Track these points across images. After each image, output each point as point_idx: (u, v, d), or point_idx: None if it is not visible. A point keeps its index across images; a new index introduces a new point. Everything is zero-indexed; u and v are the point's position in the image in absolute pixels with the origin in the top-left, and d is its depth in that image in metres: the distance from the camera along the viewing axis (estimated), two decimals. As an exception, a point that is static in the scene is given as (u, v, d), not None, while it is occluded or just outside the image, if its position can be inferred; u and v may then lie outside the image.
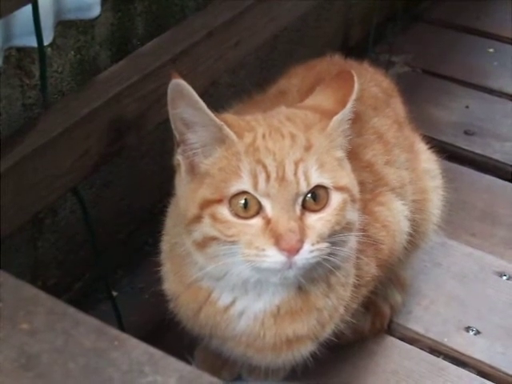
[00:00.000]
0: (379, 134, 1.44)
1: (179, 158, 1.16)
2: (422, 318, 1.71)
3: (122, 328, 1.58)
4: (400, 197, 1.42)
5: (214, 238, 1.11)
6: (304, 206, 1.11)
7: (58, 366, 0.79)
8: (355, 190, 1.18)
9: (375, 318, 1.64)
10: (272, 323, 1.24)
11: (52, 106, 1.39)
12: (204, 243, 1.13)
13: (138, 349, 0.82)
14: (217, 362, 1.53)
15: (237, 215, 1.10)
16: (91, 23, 1.55)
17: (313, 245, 1.09)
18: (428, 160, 1.59)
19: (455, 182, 1.63)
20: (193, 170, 1.15)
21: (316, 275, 1.20)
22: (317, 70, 1.51)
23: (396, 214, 1.40)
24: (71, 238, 1.67)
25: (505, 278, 1.81)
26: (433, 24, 2.80)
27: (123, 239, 1.83)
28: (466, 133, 2.29)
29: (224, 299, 1.24)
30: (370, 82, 1.53)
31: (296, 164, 1.10)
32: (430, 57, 2.61)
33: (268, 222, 1.09)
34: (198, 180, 1.14)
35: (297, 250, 1.08)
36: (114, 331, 0.84)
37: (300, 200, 1.10)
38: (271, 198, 1.09)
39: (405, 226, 1.42)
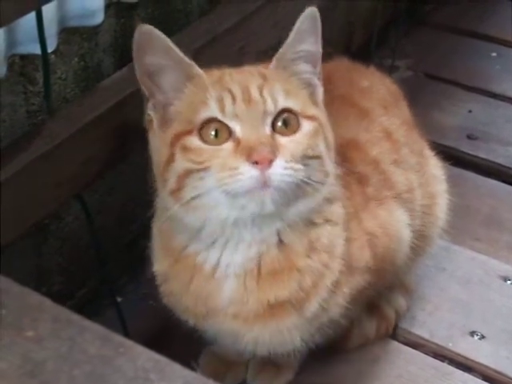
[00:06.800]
0: (387, 133, 1.45)
1: (150, 113, 1.19)
2: (427, 323, 1.70)
3: (126, 334, 1.58)
4: (406, 203, 1.42)
5: (187, 173, 1.12)
6: (275, 130, 1.13)
7: (63, 373, 0.79)
8: (327, 128, 1.21)
9: (380, 323, 1.64)
10: (254, 286, 1.22)
11: (56, 113, 1.39)
12: (178, 185, 1.13)
13: (144, 355, 0.82)
14: (221, 367, 1.54)
15: (207, 142, 1.12)
16: (95, 30, 1.55)
17: (286, 162, 1.10)
18: (435, 166, 1.59)
19: (459, 187, 1.63)
20: (165, 122, 1.17)
21: (294, 212, 1.18)
22: (326, 70, 1.54)
23: (396, 222, 1.39)
24: (75, 245, 1.67)
25: (509, 282, 1.81)
26: (435, 28, 2.80)
27: (127, 245, 1.83)
28: (469, 137, 2.28)
29: (209, 258, 1.22)
30: (378, 83, 1.57)
31: (260, 88, 1.14)
32: (433, 61, 2.61)
33: (238, 142, 1.11)
34: (169, 125, 1.17)
35: (269, 162, 1.08)
36: (119, 338, 0.84)
37: (269, 121, 1.13)
38: (239, 118, 1.12)
39: (405, 235, 1.42)
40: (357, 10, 2.53)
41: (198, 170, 1.11)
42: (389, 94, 1.56)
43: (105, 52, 1.61)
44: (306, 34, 1.19)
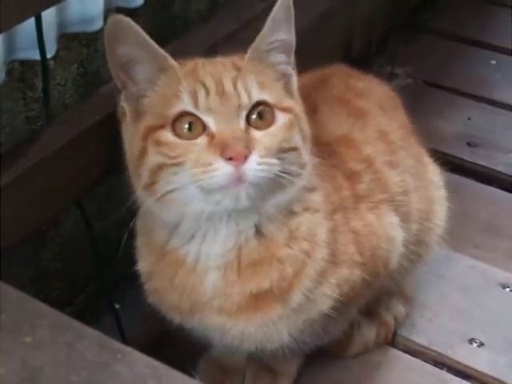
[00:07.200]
0: (383, 133, 1.44)
1: (123, 104, 1.18)
2: (426, 330, 1.70)
3: (124, 340, 1.58)
4: (400, 207, 1.40)
5: (159, 167, 1.11)
6: (250, 124, 1.12)
7: (61, 378, 0.79)
8: (303, 119, 1.20)
9: (380, 329, 1.63)
10: (235, 278, 1.21)
11: (55, 119, 1.40)
12: (151, 179, 1.12)
13: (142, 362, 0.81)
14: (219, 373, 1.53)
15: (181, 136, 1.11)
16: (94, 36, 1.55)
17: (261, 157, 1.09)
18: (433, 172, 1.59)
19: (458, 194, 1.62)
20: (138, 115, 1.16)
21: (271, 205, 1.17)
22: (323, 74, 1.55)
23: (387, 224, 1.37)
24: (74, 251, 1.66)
25: (508, 289, 1.81)
26: (435, 35, 2.80)
27: (126, 252, 1.82)
28: (469, 144, 2.28)
29: (190, 252, 1.22)
30: (376, 88, 1.57)
31: (233, 81, 1.13)
32: (432, 68, 2.62)
33: (213, 137, 1.09)
34: (142, 117, 1.16)
35: (244, 158, 1.07)
36: (117, 344, 0.84)
37: (243, 114, 1.12)
38: (213, 112, 1.10)
39: (398, 235, 1.40)
40: (356, 18, 2.53)
41: (172, 165, 1.10)
42: (387, 99, 1.56)
43: (104, 58, 1.60)
44: (280, 23, 1.19)
